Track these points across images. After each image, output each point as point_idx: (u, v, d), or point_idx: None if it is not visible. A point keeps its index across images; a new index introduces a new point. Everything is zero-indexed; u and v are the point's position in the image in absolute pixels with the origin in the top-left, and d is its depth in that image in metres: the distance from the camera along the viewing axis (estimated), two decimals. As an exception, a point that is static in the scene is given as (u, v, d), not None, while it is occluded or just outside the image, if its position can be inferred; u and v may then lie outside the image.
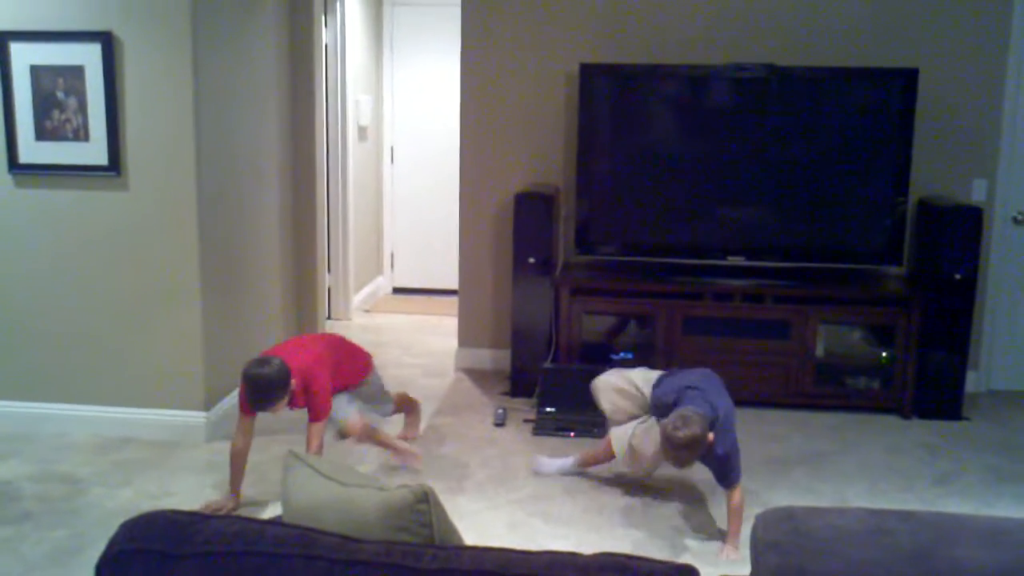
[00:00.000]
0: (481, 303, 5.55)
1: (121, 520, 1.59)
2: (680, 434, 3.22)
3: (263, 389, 3.50)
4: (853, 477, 4.09)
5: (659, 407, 3.58)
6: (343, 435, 3.86)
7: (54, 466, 4.05)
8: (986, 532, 1.85)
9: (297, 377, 3.58)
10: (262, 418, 3.73)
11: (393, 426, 4.39)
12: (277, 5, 5.16)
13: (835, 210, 4.95)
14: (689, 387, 3.51)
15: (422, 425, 4.53)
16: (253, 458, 3.81)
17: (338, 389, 3.80)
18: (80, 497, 3.76)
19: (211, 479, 3.94)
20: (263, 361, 3.55)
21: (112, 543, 1.52)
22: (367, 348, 4.14)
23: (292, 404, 3.66)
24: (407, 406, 4.42)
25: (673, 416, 3.29)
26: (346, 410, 3.80)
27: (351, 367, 3.94)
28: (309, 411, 3.70)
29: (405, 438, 4.35)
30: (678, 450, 3.25)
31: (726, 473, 3.42)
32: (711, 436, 3.28)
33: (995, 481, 4.07)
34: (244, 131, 4.75)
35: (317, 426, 3.69)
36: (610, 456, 3.82)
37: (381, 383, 4.16)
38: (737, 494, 3.42)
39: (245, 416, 3.69)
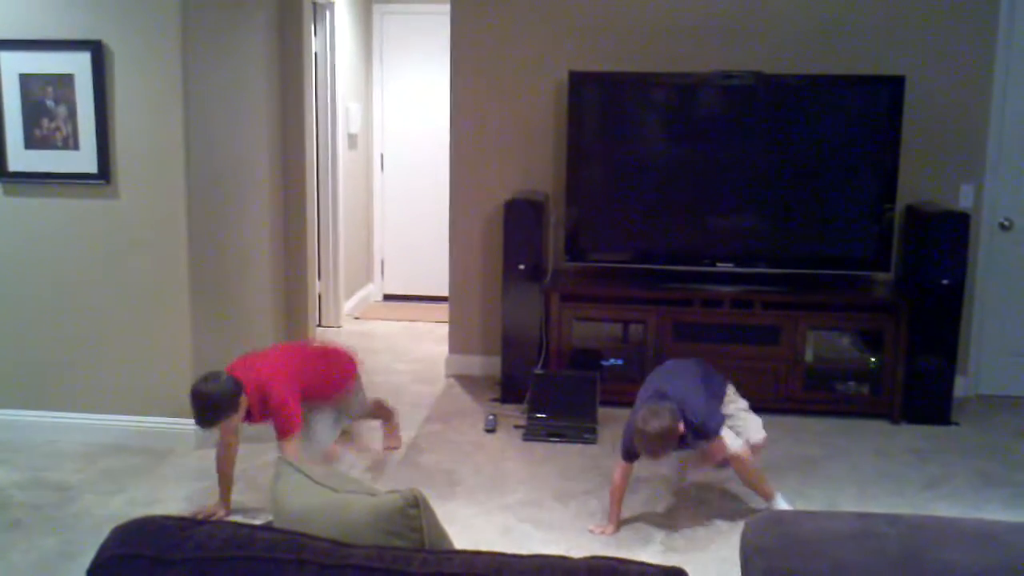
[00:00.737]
0: (471, 310, 5.55)
1: (111, 528, 1.59)
2: (649, 427, 3.37)
3: (207, 406, 3.42)
4: (843, 482, 4.10)
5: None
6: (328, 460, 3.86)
7: (44, 474, 4.04)
8: (973, 535, 1.86)
9: (253, 391, 3.50)
10: (252, 425, 3.72)
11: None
12: (267, 14, 5.16)
13: (823, 217, 4.97)
14: (650, 398, 3.58)
15: (413, 432, 4.53)
16: (243, 465, 3.80)
17: (321, 399, 3.79)
18: (70, 505, 3.75)
19: (201, 486, 3.93)
20: (210, 376, 3.46)
21: (103, 548, 1.51)
22: (358, 355, 4.12)
23: (252, 419, 3.58)
24: (382, 413, 4.36)
25: (643, 411, 3.43)
26: (328, 436, 3.81)
27: (330, 376, 3.89)
28: (275, 428, 3.60)
29: (389, 448, 4.34)
30: (651, 442, 3.39)
31: (704, 435, 3.54)
32: (681, 427, 3.42)
33: (983, 485, 4.09)
34: (234, 139, 4.75)
35: (285, 443, 3.56)
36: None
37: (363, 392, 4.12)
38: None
39: (225, 434, 3.65)
